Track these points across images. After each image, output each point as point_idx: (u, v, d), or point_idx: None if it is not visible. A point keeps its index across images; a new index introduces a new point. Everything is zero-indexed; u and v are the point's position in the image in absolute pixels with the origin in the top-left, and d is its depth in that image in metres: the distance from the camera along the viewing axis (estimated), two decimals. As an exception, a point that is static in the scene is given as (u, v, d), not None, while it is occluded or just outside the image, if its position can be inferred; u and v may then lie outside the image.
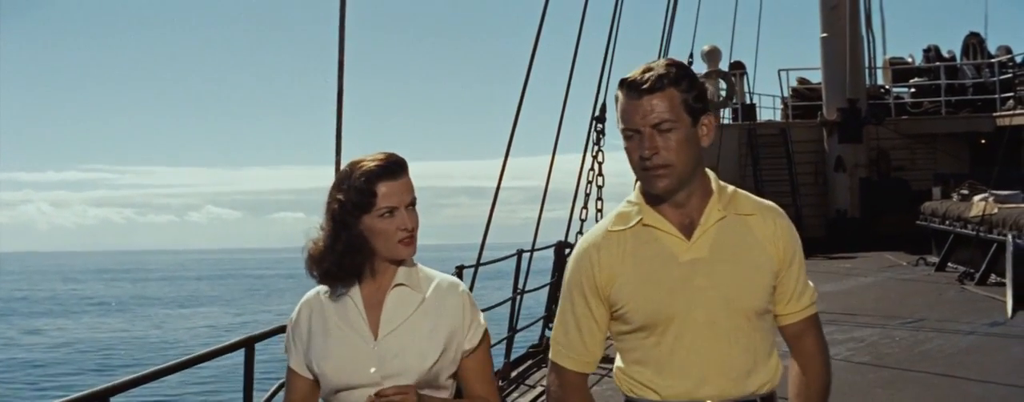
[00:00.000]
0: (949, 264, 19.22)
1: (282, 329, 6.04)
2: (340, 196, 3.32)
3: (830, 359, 3.36)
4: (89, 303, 74.40)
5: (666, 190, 3.12)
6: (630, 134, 3.10)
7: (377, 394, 3.20)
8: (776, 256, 3.20)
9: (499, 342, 11.23)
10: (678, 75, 3.09)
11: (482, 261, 10.57)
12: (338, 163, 6.85)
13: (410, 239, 3.35)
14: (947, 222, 19.87)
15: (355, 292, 3.40)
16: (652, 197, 3.20)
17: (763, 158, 27.58)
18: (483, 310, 9.76)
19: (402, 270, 3.41)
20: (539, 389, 10.25)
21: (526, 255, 11.98)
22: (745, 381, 3.15)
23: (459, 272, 9.74)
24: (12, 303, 74.07)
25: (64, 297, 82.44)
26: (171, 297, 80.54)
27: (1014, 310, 7.70)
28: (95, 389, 4.89)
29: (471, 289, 9.80)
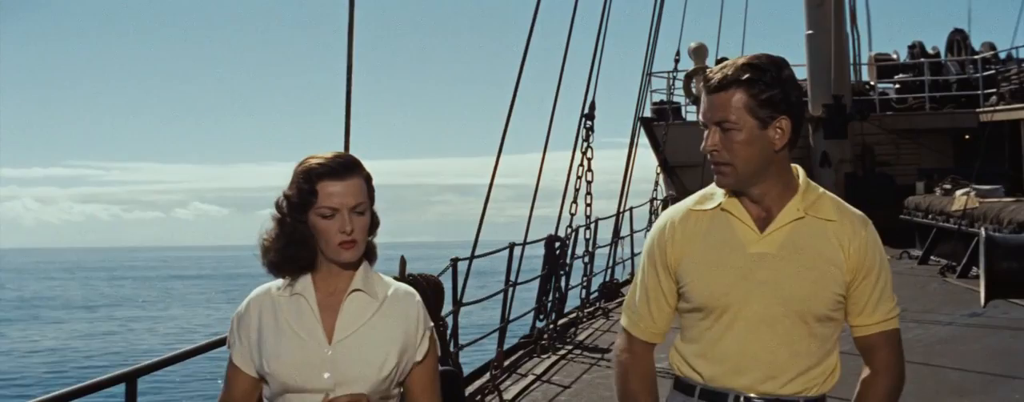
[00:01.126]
0: (932, 257, 19.48)
1: None
2: (288, 191, 3.30)
3: (902, 379, 3.30)
4: (56, 304, 72.59)
5: (726, 186, 3.19)
6: (703, 126, 3.16)
7: (329, 401, 3.18)
8: (848, 265, 3.17)
9: (492, 332, 11.55)
10: (750, 77, 3.08)
11: (464, 257, 10.83)
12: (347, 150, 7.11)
13: (350, 243, 3.27)
14: (930, 216, 20.16)
15: (310, 294, 3.34)
16: None
17: (749, 154, 27.61)
18: (475, 302, 10.05)
19: (359, 275, 3.36)
20: (531, 377, 10.55)
21: (517, 248, 12.26)
22: (788, 382, 3.16)
23: (454, 264, 10.02)
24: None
25: (31, 297, 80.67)
26: (143, 298, 79.18)
27: (987, 300, 8.03)
28: (124, 370, 5.25)
29: (465, 281, 10.17)
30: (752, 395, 3.15)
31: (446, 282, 8.78)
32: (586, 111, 14.65)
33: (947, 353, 10.47)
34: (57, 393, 4.88)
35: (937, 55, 29.45)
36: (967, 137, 26.29)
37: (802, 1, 27.59)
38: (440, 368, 7.45)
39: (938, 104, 28.15)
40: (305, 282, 3.34)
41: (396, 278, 8.22)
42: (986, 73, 27.13)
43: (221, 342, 6.10)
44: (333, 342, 3.27)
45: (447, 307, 9.31)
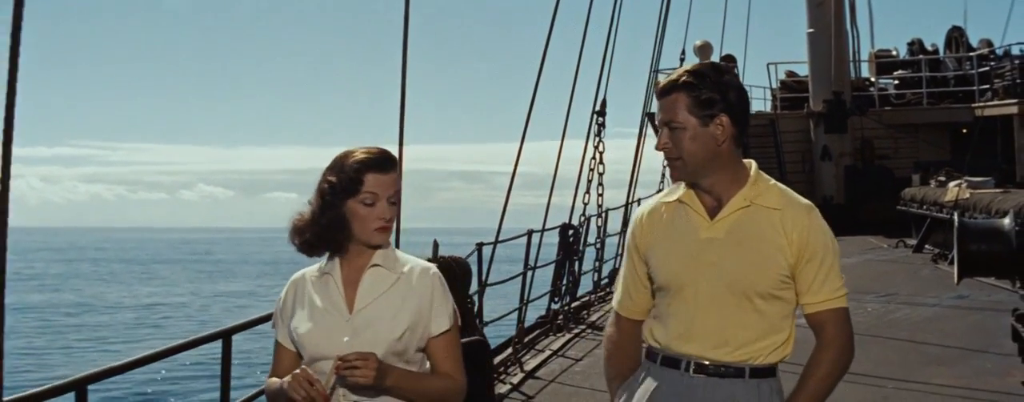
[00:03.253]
0: (926, 246, 20.20)
1: None
2: (332, 178, 3.59)
3: (848, 353, 3.51)
4: (29, 286, 68.90)
5: (678, 179, 3.56)
6: (656, 129, 3.75)
7: (341, 357, 3.38)
8: (790, 249, 3.43)
9: (512, 312, 12.45)
10: (689, 81, 3.44)
11: (488, 242, 11.60)
12: (401, 141, 7.81)
13: (384, 229, 3.61)
14: (924, 207, 20.75)
15: (336, 272, 3.66)
16: None
17: (753, 147, 27.92)
18: (498, 283, 10.83)
19: (379, 253, 3.66)
20: (548, 352, 11.44)
21: (535, 235, 13.09)
22: (734, 351, 3.45)
23: (479, 249, 10.88)
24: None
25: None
26: (120, 280, 77.99)
27: (959, 278, 8.90)
28: (220, 328, 6.06)
29: (490, 266, 11.02)
30: (703, 362, 3.48)
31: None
32: (598, 108, 15.50)
33: (931, 330, 11.41)
34: (160, 348, 5.58)
35: (936, 52, 30.17)
36: (965, 131, 26.96)
37: (804, 0, 28.41)
38: (472, 338, 8.34)
39: (936, 99, 28.84)
40: (333, 263, 3.70)
41: (429, 259, 9.09)
42: (981, 70, 27.81)
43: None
44: (353, 312, 3.61)
45: (474, 287, 10.13)
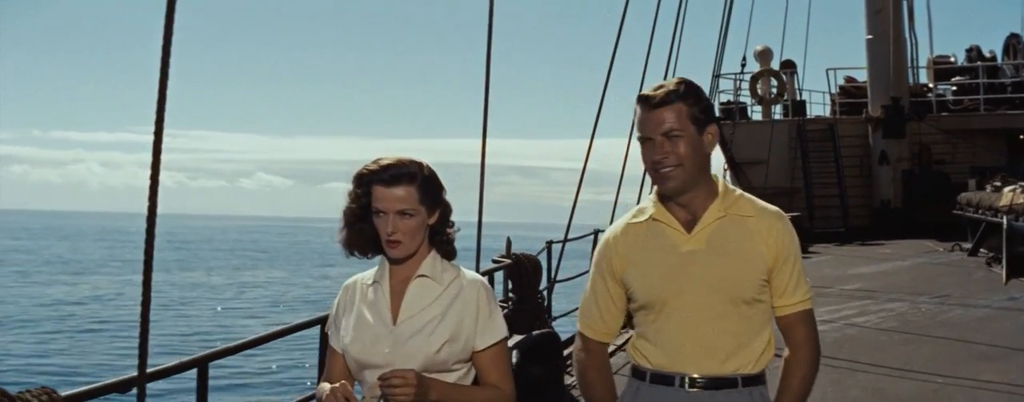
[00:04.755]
0: (981, 250, 20.24)
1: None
2: (350, 189, 3.65)
3: (818, 352, 3.65)
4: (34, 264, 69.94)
5: (675, 190, 3.54)
6: (645, 141, 3.53)
7: (380, 377, 3.40)
8: (768, 254, 3.53)
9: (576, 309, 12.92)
10: (685, 92, 3.49)
11: (557, 240, 12.07)
12: (485, 133, 8.10)
13: (393, 243, 3.56)
14: (980, 211, 20.66)
15: (385, 281, 3.67)
16: (663, 197, 3.62)
17: (812, 152, 28.59)
18: (566, 280, 11.39)
19: (427, 262, 3.65)
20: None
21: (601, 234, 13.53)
22: (725, 361, 3.50)
23: (549, 246, 11.37)
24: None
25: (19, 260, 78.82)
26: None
27: (1007, 278, 9.31)
28: (307, 319, 6.57)
29: (559, 263, 11.54)
30: (695, 376, 3.51)
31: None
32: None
33: (981, 329, 11.77)
34: (262, 334, 6.19)
35: (993, 58, 30.18)
36: (1022, 137, 27.10)
37: (863, 7, 28.69)
38: (543, 331, 8.92)
39: (993, 106, 28.88)
40: (383, 271, 3.71)
41: (503, 256, 9.65)
42: (1038, 76, 27.78)
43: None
44: (397, 322, 3.61)
45: (543, 283, 10.60)
